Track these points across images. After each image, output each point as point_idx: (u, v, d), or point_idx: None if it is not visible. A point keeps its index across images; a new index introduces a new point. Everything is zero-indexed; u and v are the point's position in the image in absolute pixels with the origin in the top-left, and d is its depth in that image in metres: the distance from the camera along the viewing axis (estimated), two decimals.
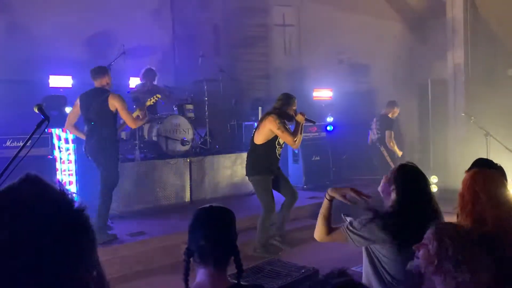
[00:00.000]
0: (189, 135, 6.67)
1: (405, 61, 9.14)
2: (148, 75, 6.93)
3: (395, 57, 9.28)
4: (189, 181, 6.56)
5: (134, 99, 6.67)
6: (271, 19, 9.94)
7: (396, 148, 6.85)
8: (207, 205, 1.78)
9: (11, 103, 6.22)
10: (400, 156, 6.79)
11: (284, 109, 4.84)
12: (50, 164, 5.31)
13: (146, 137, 6.59)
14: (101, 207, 4.67)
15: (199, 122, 7.25)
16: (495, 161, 2.89)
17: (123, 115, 4.83)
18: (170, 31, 8.74)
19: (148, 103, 5.41)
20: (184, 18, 8.80)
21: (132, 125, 5.05)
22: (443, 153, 7.76)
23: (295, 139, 4.78)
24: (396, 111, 7.04)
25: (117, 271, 4.50)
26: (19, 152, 2.43)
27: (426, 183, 2.52)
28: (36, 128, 2.44)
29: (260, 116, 7.36)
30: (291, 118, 4.89)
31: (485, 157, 5.50)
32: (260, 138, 4.84)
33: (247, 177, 5.14)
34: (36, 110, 2.59)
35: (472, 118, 6.08)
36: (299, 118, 4.86)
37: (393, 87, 8.69)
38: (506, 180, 2.82)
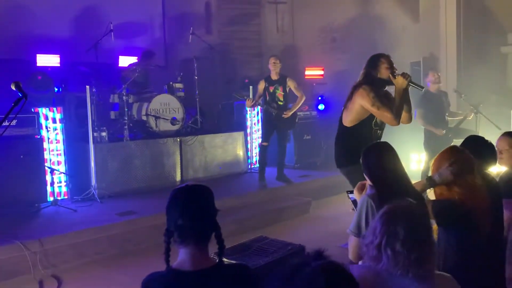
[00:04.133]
0: (179, 114, 6.62)
1: (398, 38, 9.05)
2: (147, 56, 6.91)
3: (387, 35, 9.18)
4: (179, 161, 6.54)
5: (123, 78, 6.59)
6: None
7: (433, 128, 6.05)
8: (183, 184, 1.78)
9: None
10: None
11: (374, 74, 3.58)
12: (38, 143, 5.25)
13: (136, 116, 6.53)
14: None
15: (190, 101, 7.19)
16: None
17: None
18: (160, 8, 8.58)
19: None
20: None
21: None
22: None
23: (395, 115, 3.45)
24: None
25: (106, 250, 4.52)
26: (3, 132, 2.39)
27: (388, 161, 2.48)
28: (13, 106, 2.40)
29: (251, 95, 7.34)
30: (388, 82, 3.60)
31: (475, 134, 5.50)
32: (350, 118, 3.62)
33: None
34: (13, 88, 2.53)
35: (463, 95, 6.05)
36: (400, 81, 3.48)
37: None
38: (494, 157, 2.83)
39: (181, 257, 1.69)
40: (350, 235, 2.44)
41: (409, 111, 3.67)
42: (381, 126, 3.69)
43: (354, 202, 2.83)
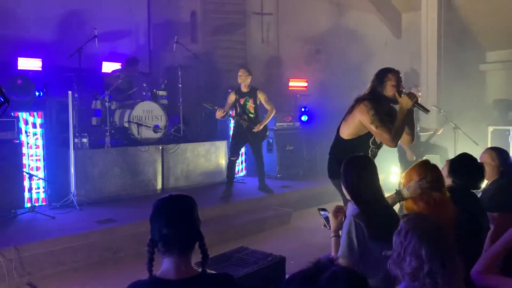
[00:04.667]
0: (162, 122, 6.59)
1: (380, 53, 9.23)
2: (131, 63, 6.89)
3: (370, 49, 9.35)
4: (161, 169, 6.50)
5: (106, 84, 6.55)
6: (249, 7, 9.86)
7: (408, 150, 6.16)
8: (167, 194, 1.79)
9: None
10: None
11: (379, 91, 3.37)
12: (16, 148, 5.15)
13: (118, 123, 6.48)
14: None
15: (173, 109, 7.17)
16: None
17: None
18: (146, 15, 8.56)
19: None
20: (161, 3, 8.64)
21: None
22: (415, 144, 7.87)
23: (393, 137, 3.25)
24: None
25: (83, 258, 4.45)
26: None
27: (367, 176, 2.51)
28: None
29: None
30: (392, 101, 3.40)
31: (452, 150, 5.62)
32: (348, 131, 3.47)
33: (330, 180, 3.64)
34: None
35: (442, 111, 6.18)
36: (404, 101, 3.24)
37: (367, 79, 8.76)
38: (483, 175, 2.88)
39: (164, 266, 1.70)
40: (343, 259, 2.35)
41: (411, 133, 3.47)
42: (379, 145, 3.53)
43: (326, 219, 2.83)
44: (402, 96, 3.28)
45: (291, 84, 8.86)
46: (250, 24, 9.85)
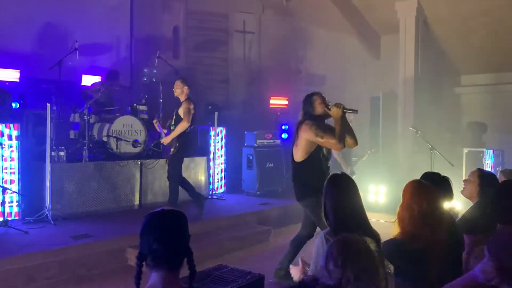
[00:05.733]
0: (141, 136, 6.53)
1: (360, 74, 9.42)
2: (111, 76, 6.83)
3: (350, 70, 9.54)
4: (139, 184, 6.41)
5: (85, 97, 6.48)
6: (232, 25, 9.96)
7: (343, 163, 6.48)
8: (159, 209, 1.78)
9: None
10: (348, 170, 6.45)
11: (310, 111, 3.96)
12: None
13: (96, 137, 6.39)
14: None
15: (153, 124, 7.11)
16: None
17: None
18: (128, 30, 8.55)
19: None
20: (143, 18, 8.65)
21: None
22: (393, 164, 8.02)
23: (339, 140, 3.78)
24: None
25: (57, 275, 4.32)
26: None
27: (347, 196, 2.54)
28: None
29: (216, 121, 7.36)
30: (325, 116, 3.95)
31: (428, 170, 5.72)
32: (299, 154, 3.94)
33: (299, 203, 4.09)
34: None
35: (419, 132, 6.31)
36: (334, 111, 3.83)
37: (348, 99, 8.92)
38: (451, 192, 2.94)
39: (152, 280, 1.68)
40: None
41: (353, 136, 3.98)
42: (327, 156, 4.02)
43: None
44: (331, 108, 3.87)
45: (272, 101, 8.94)
46: (232, 41, 9.94)
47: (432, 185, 2.58)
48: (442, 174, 3.02)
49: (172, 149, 5.76)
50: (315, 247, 2.49)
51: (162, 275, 1.67)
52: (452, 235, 2.53)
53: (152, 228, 1.70)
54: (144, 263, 1.68)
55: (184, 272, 1.75)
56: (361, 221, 2.52)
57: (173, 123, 5.73)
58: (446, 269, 2.37)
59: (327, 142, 3.80)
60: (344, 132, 3.84)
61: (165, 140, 5.80)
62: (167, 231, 1.70)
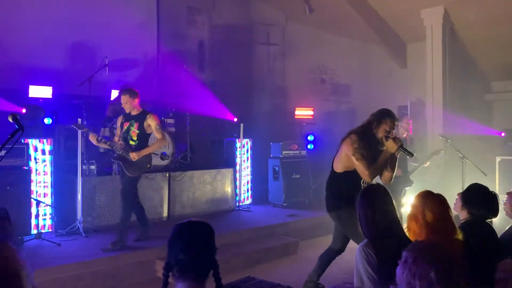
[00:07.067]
0: (169, 149, 6.63)
1: (385, 82, 9.32)
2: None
3: (376, 78, 9.46)
4: (167, 196, 6.50)
5: (115, 112, 6.63)
6: (256, 38, 10.06)
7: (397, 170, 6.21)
8: (186, 220, 1.79)
9: None
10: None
11: (372, 128, 3.64)
12: (25, 175, 5.19)
13: None
14: None
15: (180, 137, 7.23)
16: (469, 183, 2.95)
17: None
18: (155, 44, 8.75)
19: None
20: (170, 33, 8.84)
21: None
22: (422, 174, 7.85)
23: (370, 173, 3.54)
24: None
25: (88, 286, 4.41)
26: None
27: (381, 206, 2.51)
28: (9, 138, 2.40)
29: (241, 133, 7.40)
30: (379, 143, 3.65)
31: (460, 180, 5.56)
32: (339, 164, 3.74)
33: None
34: (10, 120, 2.55)
35: (449, 140, 6.15)
36: (389, 145, 3.55)
37: (373, 108, 8.83)
38: (496, 208, 2.81)
39: None
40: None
41: (392, 172, 3.71)
42: None
43: None
44: (388, 140, 3.57)
45: (297, 112, 8.94)
46: (256, 54, 10.03)
47: (479, 198, 2.59)
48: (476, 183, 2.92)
49: (148, 165, 5.25)
50: (356, 263, 2.45)
51: (188, 286, 1.68)
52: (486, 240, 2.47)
53: (179, 239, 1.72)
54: (170, 274, 1.69)
55: (211, 286, 1.75)
56: (399, 231, 2.50)
57: (135, 139, 5.11)
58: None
59: (359, 167, 3.57)
60: (383, 168, 3.63)
61: (133, 156, 5.02)
62: (194, 242, 1.71)
